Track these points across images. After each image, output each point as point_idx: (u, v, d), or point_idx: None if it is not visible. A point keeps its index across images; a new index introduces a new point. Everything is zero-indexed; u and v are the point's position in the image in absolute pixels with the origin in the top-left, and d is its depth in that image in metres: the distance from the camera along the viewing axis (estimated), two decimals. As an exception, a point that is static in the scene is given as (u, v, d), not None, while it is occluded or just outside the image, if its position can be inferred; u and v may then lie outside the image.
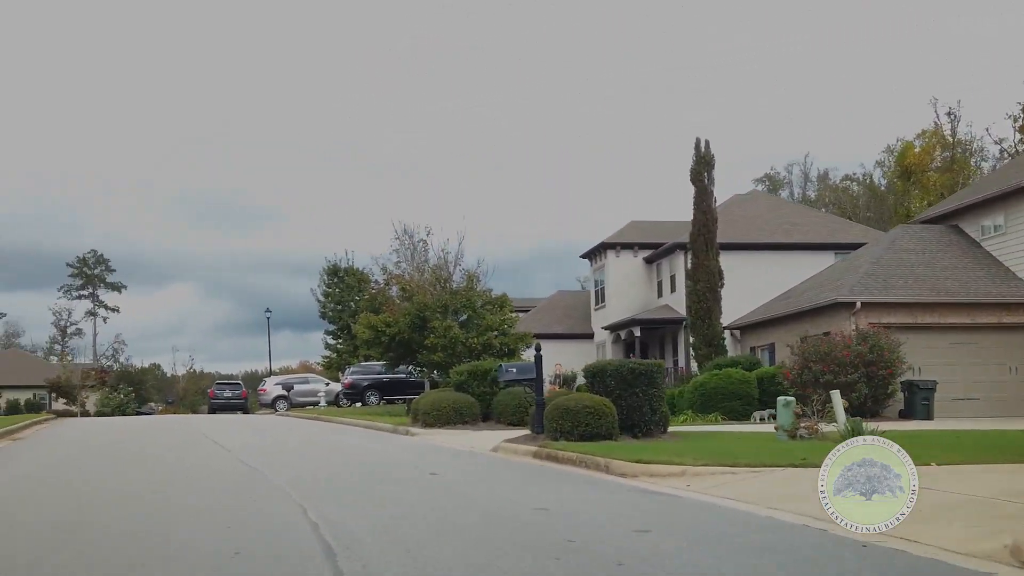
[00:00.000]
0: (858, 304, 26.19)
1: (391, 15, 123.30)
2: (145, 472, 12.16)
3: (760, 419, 23.51)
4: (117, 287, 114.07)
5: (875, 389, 23.35)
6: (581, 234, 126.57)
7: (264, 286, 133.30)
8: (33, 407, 66.11)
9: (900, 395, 24.36)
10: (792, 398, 15.51)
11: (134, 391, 66.70)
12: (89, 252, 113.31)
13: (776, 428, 15.03)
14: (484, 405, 21.46)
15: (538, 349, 16.88)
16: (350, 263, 51.16)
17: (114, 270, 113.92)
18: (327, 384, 42.98)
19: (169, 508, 8.84)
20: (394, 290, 34.02)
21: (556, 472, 12.69)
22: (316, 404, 41.91)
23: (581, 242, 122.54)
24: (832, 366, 22.79)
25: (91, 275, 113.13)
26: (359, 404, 41.21)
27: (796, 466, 11.79)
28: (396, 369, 32.83)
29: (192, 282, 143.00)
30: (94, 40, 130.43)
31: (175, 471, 12.40)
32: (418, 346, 29.21)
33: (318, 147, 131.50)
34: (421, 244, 33.43)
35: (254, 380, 75.40)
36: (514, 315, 30.65)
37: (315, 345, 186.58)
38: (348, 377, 40.79)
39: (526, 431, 17.74)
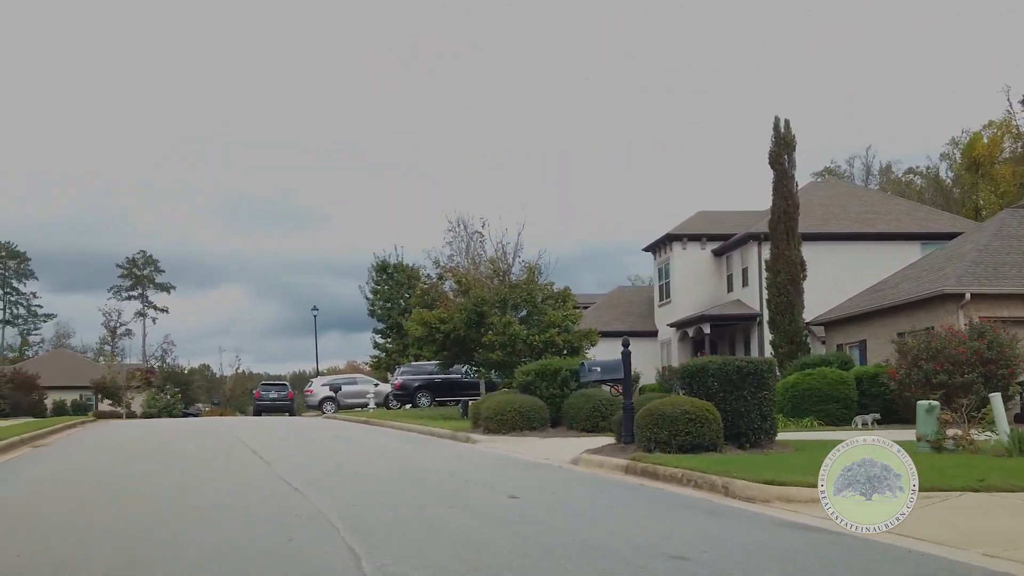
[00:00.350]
0: (967, 296, 23.43)
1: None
2: (159, 501, 9.97)
3: (863, 424, 20.86)
4: (166, 288, 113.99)
5: (993, 391, 20.59)
6: (625, 232, 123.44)
7: (311, 287, 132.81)
8: (79, 408, 65.19)
9: (1017, 398, 21.65)
10: (936, 403, 12.96)
11: (180, 392, 65.44)
12: (138, 253, 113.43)
13: (917, 439, 12.50)
14: (553, 409, 19.13)
15: (625, 345, 14.51)
16: (399, 259, 49.19)
17: (163, 271, 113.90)
18: (376, 385, 40.95)
19: (180, 563, 6.58)
20: (448, 285, 31.88)
21: (660, 494, 10.32)
22: (365, 406, 39.89)
23: (624, 241, 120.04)
24: (946, 365, 20.10)
25: (140, 276, 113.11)
26: (409, 406, 39.18)
27: (976, 490, 9.34)
28: (450, 369, 30.55)
29: (240, 284, 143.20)
30: (149, 43, 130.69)
31: (198, 499, 10.20)
32: (474, 344, 26.99)
33: (360, 149, 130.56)
34: (476, 236, 31.31)
35: (301, 381, 73.90)
36: (577, 310, 28.27)
37: (362, 346, 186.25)
38: (398, 377, 38.73)
39: (604, 439, 15.42)
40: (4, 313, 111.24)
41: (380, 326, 48.84)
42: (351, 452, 16.53)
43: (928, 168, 68.86)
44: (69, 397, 65.64)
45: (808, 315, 29.80)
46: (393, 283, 48.51)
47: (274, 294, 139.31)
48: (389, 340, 48.10)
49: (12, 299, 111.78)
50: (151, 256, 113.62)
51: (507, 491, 10.22)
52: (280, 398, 44.90)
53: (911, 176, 71.21)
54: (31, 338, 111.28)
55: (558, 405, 19.18)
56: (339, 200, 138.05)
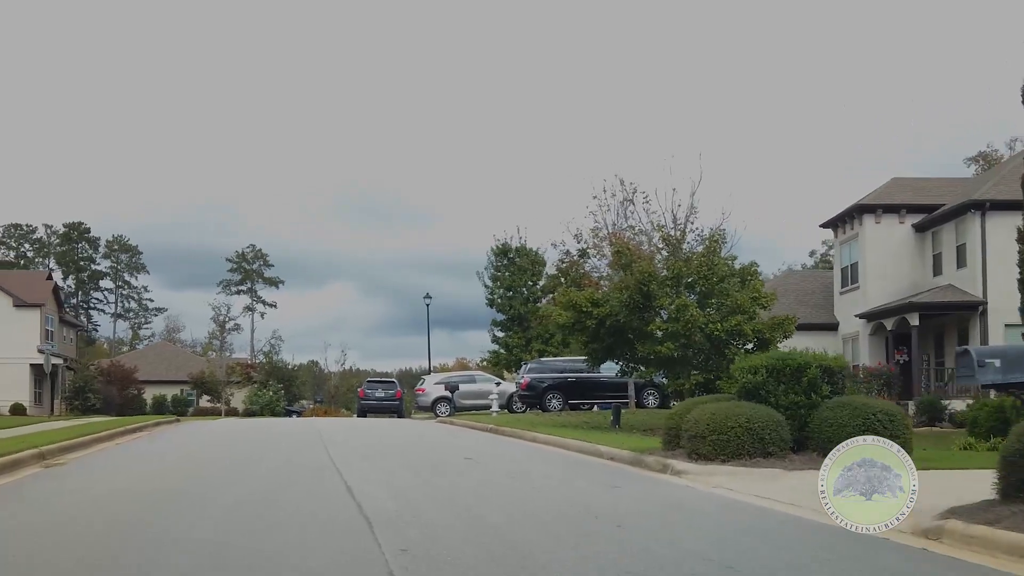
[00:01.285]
0: None
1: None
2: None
3: None
4: (275, 282, 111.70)
5: None
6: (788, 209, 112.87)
7: (418, 285, 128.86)
8: (179, 404, 61.62)
9: None
10: None
11: (283, 388, 61.15)
12: (248, 247, 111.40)
13: None
14: (794, 425, 12.68)
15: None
16: (522, 242, 43.26)
17: (272, 265, 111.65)
18: (497, 384, 35.09)
19: None
20: (592, 265, 25.80)
21: None
22: (485, 408, 34.13)
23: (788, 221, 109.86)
24: None
25: (249, 270, 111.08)
26: (537, 409, 33.23)
27: None
28: (597, 365, 24.31)
29: (347, 281, 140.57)
30: (268, 41, 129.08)
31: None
32: (636, 334, 20.75)
33: (471, 144, 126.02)
34: (627, 204, 25.17)
35: (408, 379, 68.65)
36: (769, 292, 21.62)
37: (470, 344, 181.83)
38: (524, 376, 32.72)
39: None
40: (116, 307, 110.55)
41: (500, 317, 43.10)
42: (502, 492, 10.48)
43: None
44: (169, 392, 62.06)
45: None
46: (515, 269, 42.66)
47: (381, 291, 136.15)
48: (511, 333, 42.32)
49: (124, 293, 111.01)
50: (260, 250, 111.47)
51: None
52: (387, 397, 39.45)
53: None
54: (142, 332, 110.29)
55: (802, 419, 12.71)
56: (449, 197, 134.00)
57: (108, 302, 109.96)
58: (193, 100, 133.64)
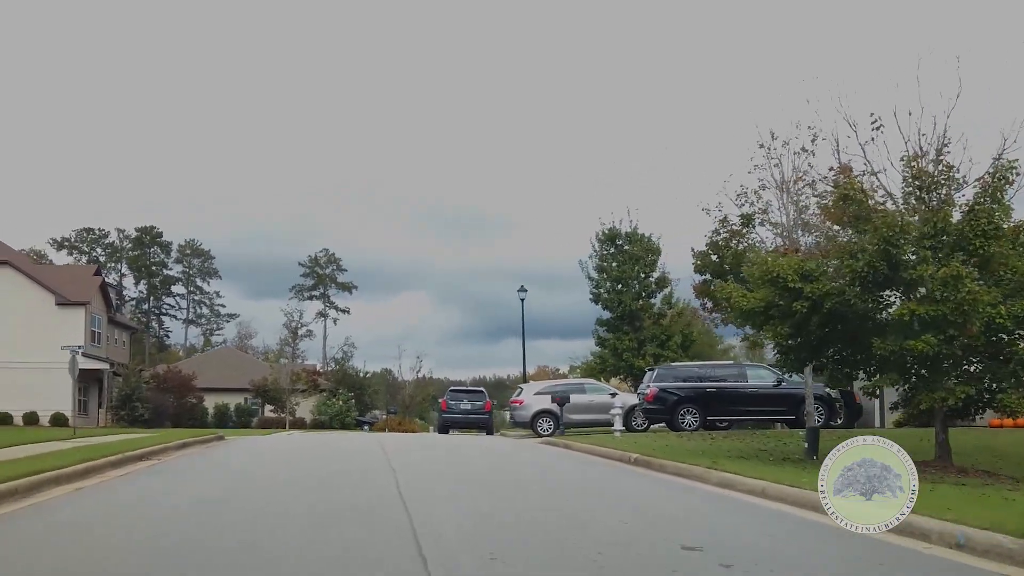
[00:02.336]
0: None
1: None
2: None
3: None
4: (348, 287, 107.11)
5: None
6: None
7: (490, 293, 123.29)
8: (243, 414, 56.03)
9: None
10: None
11: (354, 397, 55.09)
12: (321, 251, 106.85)
13: None
14: None
15: None
16: (633, 227, 36.22)
17: (345, 270, 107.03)
18: (613, 395, 28.22)
19: None
20: (758, 239, 18.88)
21: None
22: (602, 425, 27.30)
23: None
24: None
25: (322, 275, 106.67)
26: (663, 426, 26.38)
27: None
28: (798, 369, 17.20)
29: (422, 290, 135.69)
30: (346, 52, 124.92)
31: None
32: (870, 322, 13.70)
33: (549, 154, 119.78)
34: (805, 155, 18.23)
35: (490, 389, 61.74)
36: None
37: (543, 353, 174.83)
38: (652, 385, 25.75)
39: None
40: (188, 312, 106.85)
41: (606, 316, 36.15)
42: None
43: None
44: (233, 401, 56.42)
45: None
46: (625, 258, 35.67)
47: (456, 301, 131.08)
48: (619, 334, 35.33)
49: (196, 298, 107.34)
50: (333, 254, 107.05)
51: None
52: (475, 410, 32.91)
53: None
54: (213, 338, 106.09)
55: None
56: (527, 205, 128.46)
57: (180, 308, 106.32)
58: (276, 112, 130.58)
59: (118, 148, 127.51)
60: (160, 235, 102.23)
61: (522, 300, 37.20)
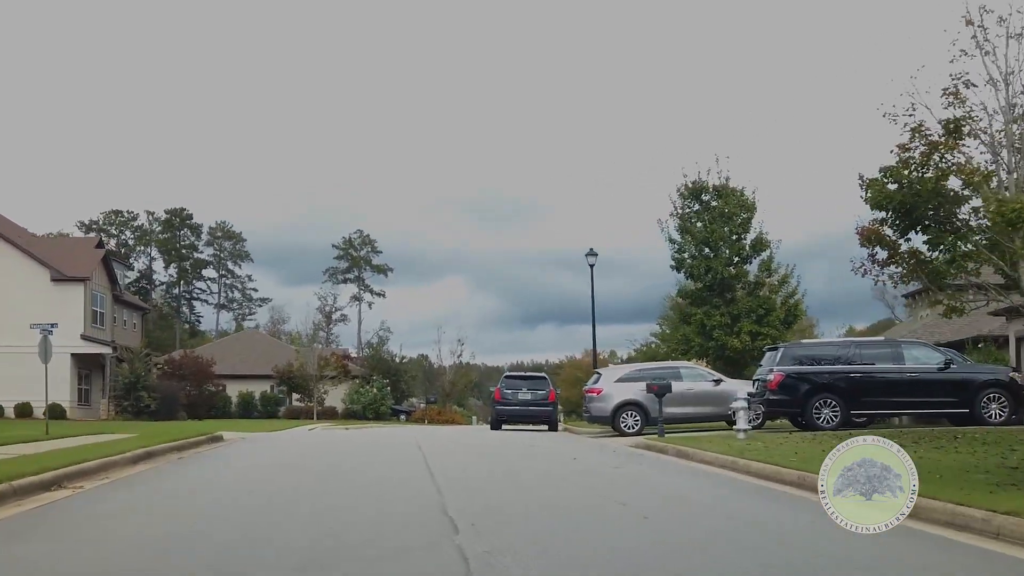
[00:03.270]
0: None
1: None
2: None
3: None
4: (383, 270, 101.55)
5: None
6: None
7: (528, 279, 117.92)
8: (269, 402, 50.71)
9: None
10: None
11: (390, 384, 49.39)
12: (355, 232, 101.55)
13: None
14: None
15: None
16: (723, 180, 29.92)
17: (380, 251, 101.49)
18: (717, 383, 22.13)
19: None
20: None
21: None
22: (705, 421, 21.28)
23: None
24: None
25: (357, 257, 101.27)
26: (785, 420, 20.43)
27: None
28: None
29: (459, 276, 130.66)
30: (388, 37, 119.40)
31: None
32: None
33: (584, 140, 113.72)
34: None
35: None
36: None
37: (577, 339, 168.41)
38: (775, 369, 19.61)
39: None
40: (219, 296, 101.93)
41: (692, 286, 29.98)
42: None
43: None
44: (258, 388, 50.97)
45: None
46: (715, 215, 29.41)
47: (493, 286, 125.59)
48: (709, 308, 29.15)
49: (227, 282, 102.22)
50: (368, 236, 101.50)
51: None
52: (536, 400, 26.86)
53: None
54: (246, 323, 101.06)
55: None
56: (561, 193, 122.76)
57: (211, 292, 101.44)
58: (313, 97, 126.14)
59: (148, 131, 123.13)
60: (190, 217, 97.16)
61: (591, 266, 30.98)
